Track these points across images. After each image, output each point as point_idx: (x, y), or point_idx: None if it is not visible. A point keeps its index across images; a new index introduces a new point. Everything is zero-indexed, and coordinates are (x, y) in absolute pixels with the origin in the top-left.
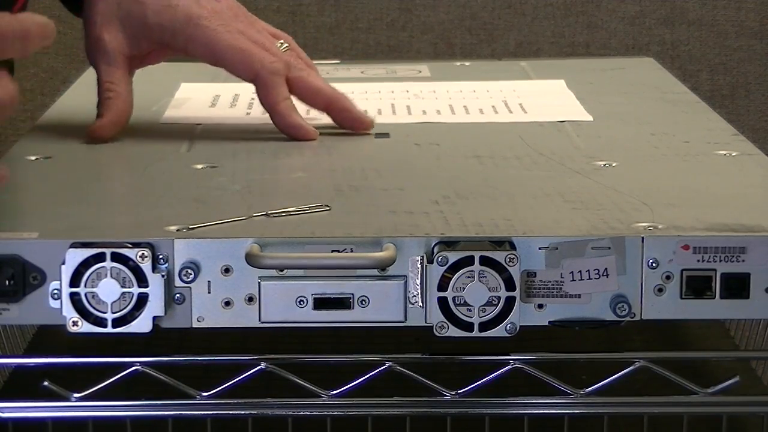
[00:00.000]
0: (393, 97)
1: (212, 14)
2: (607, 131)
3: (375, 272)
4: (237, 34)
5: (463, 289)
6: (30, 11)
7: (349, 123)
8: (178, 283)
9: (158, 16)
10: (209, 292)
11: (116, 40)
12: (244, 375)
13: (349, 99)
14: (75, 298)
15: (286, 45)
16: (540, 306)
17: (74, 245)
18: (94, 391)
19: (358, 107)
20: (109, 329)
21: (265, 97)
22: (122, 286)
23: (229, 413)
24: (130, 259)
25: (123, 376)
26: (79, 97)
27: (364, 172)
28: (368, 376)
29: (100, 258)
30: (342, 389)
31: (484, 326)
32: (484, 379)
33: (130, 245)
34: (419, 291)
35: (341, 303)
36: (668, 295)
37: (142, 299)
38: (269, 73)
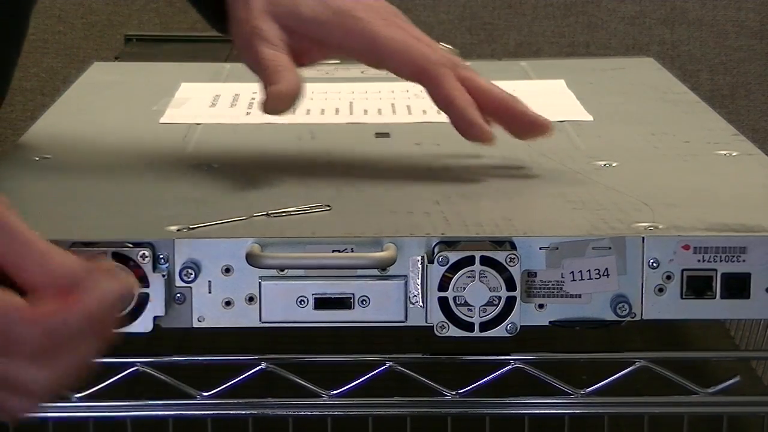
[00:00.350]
0: (393, 97)
1: (370, 9)
2: (607, 131)
3: (375, 272)
4: (397, 28)
5: (464, 289)
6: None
7: (526, 127)
8: (178, 283)
9: (313, 10)
10: (210, 292)
11: (275, 29)
12: (244, 375)
13: (522, 102)
14: None
15: (447, 48)
16: (540, 306)
17: (75, 245)
18: (94, 390)
19: (533, 110)
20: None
21: (436, 91)
22: None
23: (229, 413)
24: (130, 259)
25: (123, 376)
26: (79, 97)
27: (364, 172)
28: (369, 376)
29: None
30: (342, 389)
31: (485, 326)
32: (484, 379)
33: (130, 245)
34: (420, 291)
35: (342, 303)
36: (669, 295)
37: (143, 299)
38: (438, 66)
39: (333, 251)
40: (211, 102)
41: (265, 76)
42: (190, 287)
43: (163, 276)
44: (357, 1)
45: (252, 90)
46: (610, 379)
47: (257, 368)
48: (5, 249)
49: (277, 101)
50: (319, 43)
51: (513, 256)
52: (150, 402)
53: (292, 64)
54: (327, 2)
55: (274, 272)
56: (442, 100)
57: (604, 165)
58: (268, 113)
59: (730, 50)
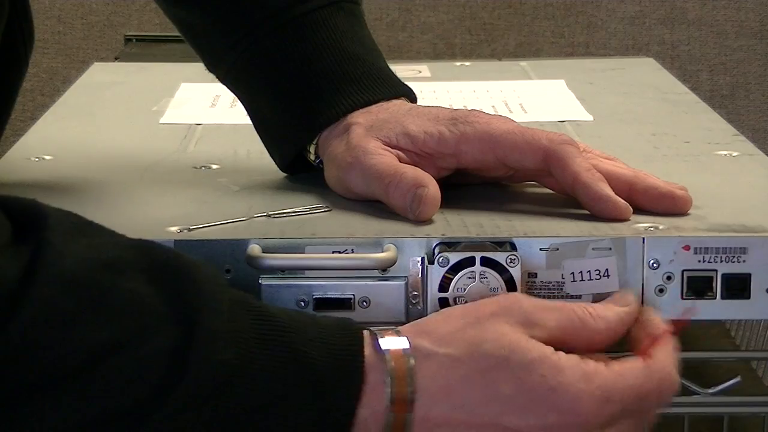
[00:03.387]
0: None
1: (472, 128)
2: (607, 131)
3: (376, 273)
4: (504, 122)
5: (464, 289)
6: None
7: (658, 201)
8: None
9: (421, 126)
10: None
11: (381, 146)
12: None
13: (650, 174)
14: None
15: None
16: None
17: None
18: None
19: (663, 181)
20: None
21: (563, 170)
22: None
23: None
24: None
25: None
26: (79, 98)
27: None
28: None
29: None
30: None
31: None
32: None
33: None
34: (420, 292)
35: (342, 304)
36: (669, 296)
37: None
38: (563, 145)
39: (333, 252)
40: (211, 102)
41: (385, 184)
42: None
43: None
44: (454, 110)
45: None
46: None
47: None
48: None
49: (433, 205)
50: (431, 158)
51: (513, 257)
52: None
53: (408, 165)
54: (429, 116)
55: (274, 273)
56: (570, 177)
57: None
58: (424, 219)
59: (730, 50)
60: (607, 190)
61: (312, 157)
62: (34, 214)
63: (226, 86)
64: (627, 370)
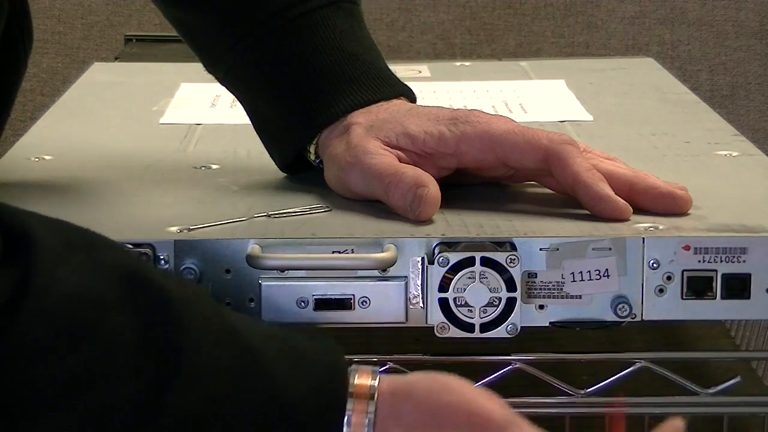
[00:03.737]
0: None
1: (470, 114)
2: (607, 131)
3: (376, 273)
4: (504, 122)
5: (464, 289)
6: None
7: (658, 201)
8: None
9: (421, 126)
10: (210, 293)
11: (381, 146)
12: None
13: (650, 174)
14: None
15: None
16: (541, 307)
17: None
18: None
19: (663, 181)
20: None
21: (563, 170)
22: None
23: None
24: None
25: None
26: (79, 98)
27: None
28: None
29: None
30: None
31: (485, 327)
32: (485, 379)
33: (130, 246)
34: (420, 292)
35: (342, 304)
36: (669, 296)
37: None
38: (563, 144)
39: (333, 252)
40: (211, 102)
41: (385, 184)
42: None
43: None
44: (454, 110)
45: None
46: (611, 379)
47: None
48: None
49: (433, 205)
50: (431, 158)
51: (513, 257)
52: None
53: (408, 165)
54: (429, 116)
55: (274, 273)
56: (570, 177)
57: None
58: (424, 219)
59: (730, 50)
60: (608, 190)
61: (312, 157)
62: (23, 235)
63: (225, 87)
64: None
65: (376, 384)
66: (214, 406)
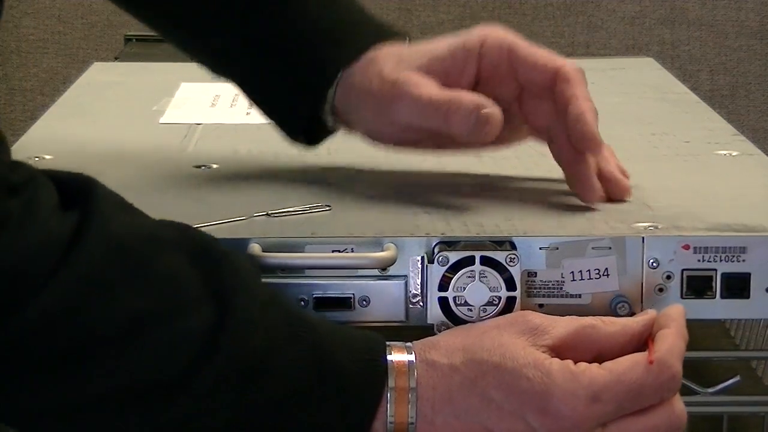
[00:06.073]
0: None
1: (496, 29)
2: (607, 131)
3: (376, 272)
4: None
5: (464, 288)
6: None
7: (603, 183)
8: None
9: (450, 45)
10: None
11: (419, 75)
12: None
13: (613, 155)
14: None
15: None
16: (540, 306)
17: None
18: None
19: (615, 164)
20: None
21: (565, 89)
22: None
23: None
24: None
25: None
26: (79, 98)
27: (364, 172)
28: None
29: None
30: None
31: None
32: None
33: None
34: (420, 291)
35: (342, 303)
36: (669, 295)
37: None
38: (575, 69)
39: (333, 251)
40: (211, 102)
41: (443, 111)
42: None
43: None
44: (479, 44)
45: None
46: None
47: None
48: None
49: (499, 123)
50: (459, 76)
51: (513, 256)
52: None
53: (461, 90)
54: (446, 38)
55: (274, 272)
56: (569, 96)
57: None
58: (490, 140)
59: (730, 50)
60: (595, 128)
61: (327, 116)
62: (82, 184)
63: (217, 73)
64: (620, 366)
65: (413, 358)
66: (263, 354)
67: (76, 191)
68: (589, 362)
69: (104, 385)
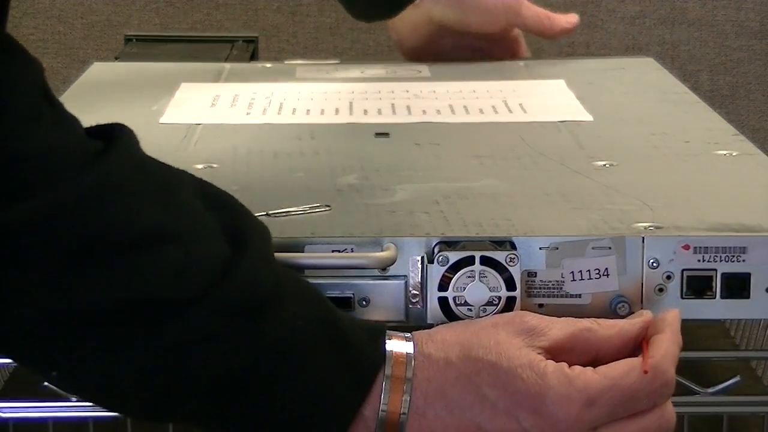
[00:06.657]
0: (393, 97)
1: None
2: (607, 131)
3: (376, 272)
4: None
5: (464, 288)
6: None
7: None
8: None
9: None
10: None
11: None
12: None
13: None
14: None
15: None
16: (540, 306)
17: None
18: None
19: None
20: None
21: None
22: None
23: None
24: None
25: None
26: (79, 97)
27: (364, 172)
28: None
29: None
30: None
31: None
32: None
33: None
34: (420, 291)
35: (342, 303)
36: (669, 295)
37: None
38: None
39: (333, 251)
40: (211, 102)
41: (549, 22)
42: None
43: None
44: None
45: (252, 90)
46: None
47: None
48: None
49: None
50: None
51: (513, 256)
52: None
53: None
54: None
55: None
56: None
57: (604, 165)
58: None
59: (730, 50)
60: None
61: None
62: (110, 129)
63: None
64: (615, 372)
65: (412, 349)
66: (273, 295)
67: (103, 133)
68: (584, 365)
69: (110, 295)
